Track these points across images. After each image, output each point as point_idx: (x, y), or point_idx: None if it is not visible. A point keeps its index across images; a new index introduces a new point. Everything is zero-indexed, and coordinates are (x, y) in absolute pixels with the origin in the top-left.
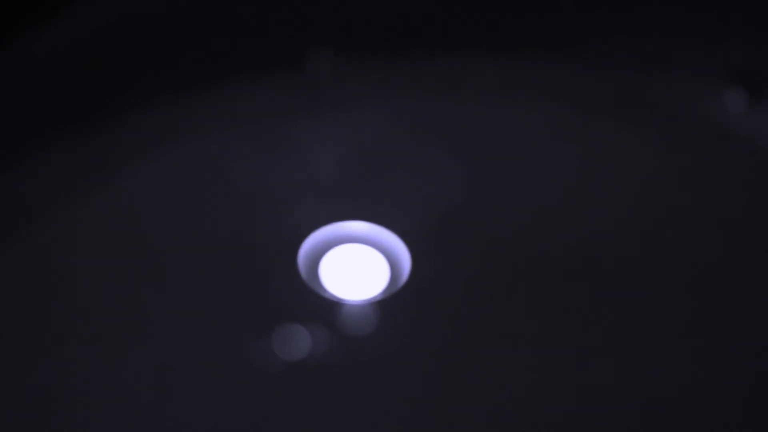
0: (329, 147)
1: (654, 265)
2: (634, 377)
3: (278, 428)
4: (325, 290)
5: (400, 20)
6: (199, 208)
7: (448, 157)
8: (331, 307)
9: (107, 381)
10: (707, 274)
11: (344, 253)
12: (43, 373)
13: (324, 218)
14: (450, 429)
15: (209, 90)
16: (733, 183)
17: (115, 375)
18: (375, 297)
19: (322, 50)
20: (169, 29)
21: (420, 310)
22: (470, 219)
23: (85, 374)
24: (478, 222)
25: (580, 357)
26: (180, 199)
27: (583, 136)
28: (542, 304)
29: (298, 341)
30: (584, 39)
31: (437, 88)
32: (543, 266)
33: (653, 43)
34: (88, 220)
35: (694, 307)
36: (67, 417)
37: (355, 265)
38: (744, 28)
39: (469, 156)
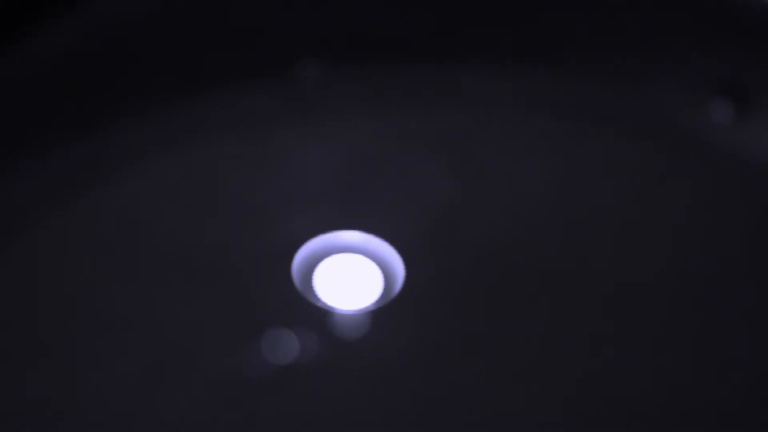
0: (321, 156)
1: (641, 274)
2: (625, 386)
3: None
4: (319, 300)
5: (390, 30)
6: (191, 216)
7: (439, 166)
8: (325, 316)
9: (99, 385)
10: (692, 284)
11: (338, 263)
12: (29, 378)
13: (317, 228)
14: None
15: (200, 98)
16: (720, 194)
17: (105, 380)
18: (369, 306)
19: (312, 59)
20: (158, 37)
21: (414, 318)
22: (462, 228)
23: (76, 380)
24: (471, 231)
25: (573, 364)
26: (171, 207)
27: (571, 147)
28: (535, 312)
29: (293, 351)
30: (573, 51)
31: (427, 97)
32: (536, 274)
33: (641, 56)
34: (77, 228)
35: (682, 317)
36: (54, 421)
37: (349, 275)
38: (731, 40)
39: (460, 165)
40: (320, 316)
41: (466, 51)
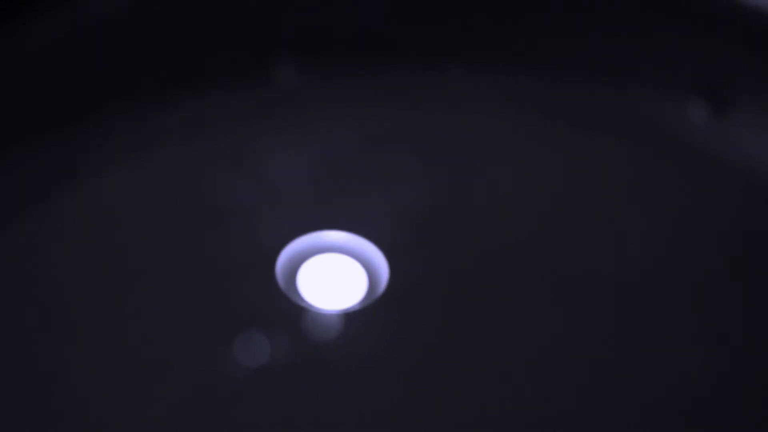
0: (306, 156)
1: (621, 274)
2: (611, 387)
3: None
4: (303, 300)
5: (368, 31)
6: (175, 217)
7: (424, 166)
8: (310, 317)
9: (81, 387)
10: (670, 285)
11: (322, 263)
12: (6, 381)
13: (301, 228)
14: None
15: (181, 100)
16: (697, 195)
17: (88, 381)
18: (353, 306)
19: (293, 61)
20: (135, 40)
21: (398, 318)
22: (447, 228)
23: (55, 382)
24: (455, 230)
25: (560, 365)
26: (155, 208)
27: (550, 146)
28: (521, 312)
29: (277, 352)
30: (552, 51)
31: (412, 97)
32: (521, 274)
33: (620, 55)
34: (53, 231)
35: (658, 317)
36: (29, 424)
37: (333, 275)
38: (708, 41)
39: (445, 165)
40: (304, 316)
41: (448, 52)
